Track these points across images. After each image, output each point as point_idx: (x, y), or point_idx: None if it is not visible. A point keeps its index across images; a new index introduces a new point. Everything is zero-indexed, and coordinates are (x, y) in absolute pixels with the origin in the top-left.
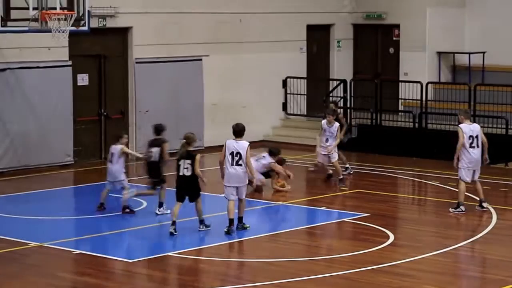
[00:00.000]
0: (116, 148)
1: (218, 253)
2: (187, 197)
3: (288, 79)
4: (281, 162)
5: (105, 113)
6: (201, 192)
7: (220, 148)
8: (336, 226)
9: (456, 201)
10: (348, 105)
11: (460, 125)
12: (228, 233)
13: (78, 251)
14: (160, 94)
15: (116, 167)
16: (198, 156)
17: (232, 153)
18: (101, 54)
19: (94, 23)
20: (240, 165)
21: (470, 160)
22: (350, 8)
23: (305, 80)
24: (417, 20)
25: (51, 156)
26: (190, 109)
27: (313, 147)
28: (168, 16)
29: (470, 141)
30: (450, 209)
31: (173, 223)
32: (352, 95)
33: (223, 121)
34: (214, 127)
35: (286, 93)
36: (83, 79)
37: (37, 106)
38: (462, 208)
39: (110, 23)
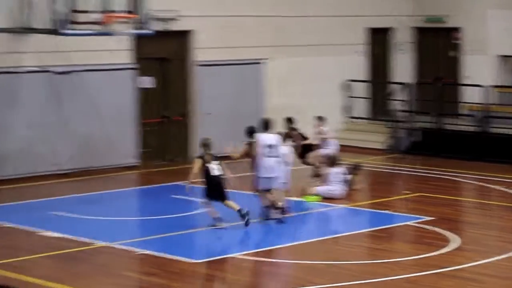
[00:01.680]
0: (286, 148)
1: (281, 255)
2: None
3: (350, 82)
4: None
5: (168, 115)
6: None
7: None
8: (399, 230)
9: None
10: (410, 109)
11: None
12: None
13: (144, 251)
14: (221, 96)
15: (288, 168)
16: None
17: (269, 146)
18: (163, 57)
19: (157, 27)
20: (276, 156)
21: None
22: (411, 11)
23: (367, 83)
24: (478, 23)
25: (116, 157)
26: (251, 111)
27: (376, 150)
28: (229, 19)
29: None
30: None
31: (218, 219)
32: (414, 98)
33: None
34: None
35: (348, 96)
36: (145, 82)
37: (102, 108)
38: None
39: (172, 26)
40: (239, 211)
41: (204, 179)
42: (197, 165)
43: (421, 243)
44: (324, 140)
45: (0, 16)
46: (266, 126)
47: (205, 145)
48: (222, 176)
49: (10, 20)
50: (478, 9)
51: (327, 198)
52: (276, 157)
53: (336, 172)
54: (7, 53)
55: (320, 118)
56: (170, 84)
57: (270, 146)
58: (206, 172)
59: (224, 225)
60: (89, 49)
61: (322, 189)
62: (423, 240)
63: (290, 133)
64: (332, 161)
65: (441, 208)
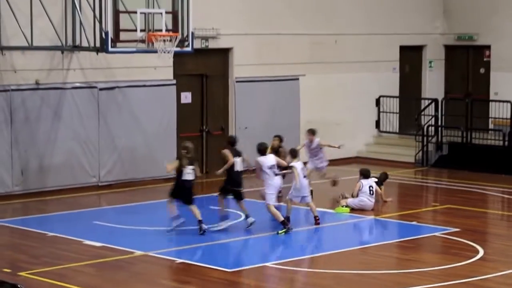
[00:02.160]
0: (301, 163)
1: (312, 264)
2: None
3: (381, 98)
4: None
5: (206, 129)
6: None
7: None
8: (426, 240)
9: None
10: (440, 123)
11: None
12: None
13: (181, 260)
14: (258, 111)
15: (307, 182)
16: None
17: (272, 166)
18: (204, 73)
19: (197, 44)
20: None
21: None
22: (442, 29)
23: (398, 99)
24: (508, 42)
25: (156, 169)
26: (286, 126)
27: (405, 163)
28: (267, 38)
29: None
30: None
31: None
32: (443, 113)
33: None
34: None
35: (379, 111)
36: (186, 97)
37: (143, 122)
38: None
39: (212, 44)
40: (199, 221)
41: (175, 180)
42: (173, 165)
43: (448, 253)
44: (316, 151)
45: (48, 34)
46: (263, 150)
47: (185, 148)
48: (193, 181)
49: (57, 38)
50: (507, 28)
51: (357, 210)
52: (278, 175)
53: (367, 185)
54: (54, 70)
55: (311, 131)
56: (209, 100)
57: (272, 167)
58: (179, 174)
59: (175, 225)
60: (132, 66)
61: (353, 201)
62: (449, 250)
63: (280, 151)
64: (364, 174)
65: (468, 220)
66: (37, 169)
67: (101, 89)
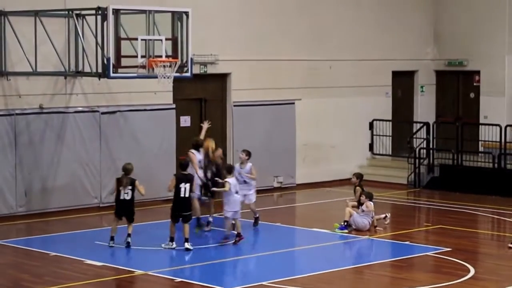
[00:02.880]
0: (234, 180)
1: (308, 283)
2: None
3: (375, 121)
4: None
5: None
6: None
7: (311, 185)
8: (419, 260)
9: None
10: (431, 146)
11: None
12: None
13: (179, 279)
14: (255, 134)
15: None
16: (137, 181)
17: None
18: (202, 98)
19: (196, 70)
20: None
21: None
22: (432, 55)
23: (391, 123)
24: (497, 67)
25: (156, 191)
26: (283, 148)
27: (398, 185)
28: (264, 63)
29: None
30: None
31: (112, 238)
32: (434, 136)
33: (313, 160)
34: (305, 165)
35: (372, 134)
36: (185, 121)
37: (144, 145)
38: None
39: (211, 70)
40: (127, 236)
41: (115, 200)
42: (115, 185)
43: (440, 272)
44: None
45: (52, 60)
46: (196, 145)
47: (124, 169)
48: (131, 200)
49: (60, 64)
50: (496, 55)
51: (355, 229)
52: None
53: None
54: (58, 95)
55: (246, 152)
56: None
57: (199, 162)
58: (117, 194)
59: (112, 244)
60: (133, 91)
61: (356, 219)
62: (441, 269)
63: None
64: (369, 197)
65: (459, 240)
66: (41, 191)
67: (103, 113)
